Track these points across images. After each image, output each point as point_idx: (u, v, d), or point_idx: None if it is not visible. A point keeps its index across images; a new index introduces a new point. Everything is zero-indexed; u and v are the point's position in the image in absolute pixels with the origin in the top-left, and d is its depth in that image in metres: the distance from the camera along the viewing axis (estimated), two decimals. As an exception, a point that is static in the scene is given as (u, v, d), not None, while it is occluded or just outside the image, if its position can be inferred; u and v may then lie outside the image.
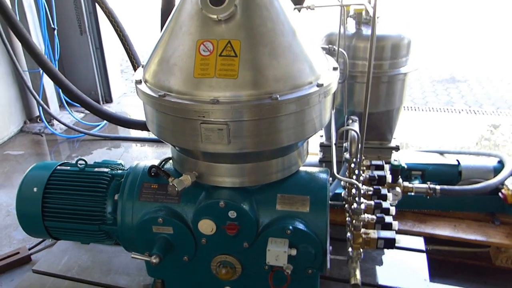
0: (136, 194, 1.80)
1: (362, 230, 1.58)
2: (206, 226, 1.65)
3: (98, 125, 4.79)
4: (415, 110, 5.17)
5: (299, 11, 1.87)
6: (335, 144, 1.76)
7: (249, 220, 1.64)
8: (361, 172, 1.68)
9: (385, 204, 1.69)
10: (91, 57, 5.17)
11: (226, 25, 1.45)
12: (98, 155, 4.19)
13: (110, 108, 5.28)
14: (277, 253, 1.57)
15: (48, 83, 4.64)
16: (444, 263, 2.54)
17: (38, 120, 4.83)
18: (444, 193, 2.24)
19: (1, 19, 3.85)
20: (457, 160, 2.63)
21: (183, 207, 1.74)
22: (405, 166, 2.58)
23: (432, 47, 8.26)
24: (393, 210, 1.70)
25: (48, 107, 4.76)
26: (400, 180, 2.17)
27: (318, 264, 1.66)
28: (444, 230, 2.48)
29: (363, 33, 2.25)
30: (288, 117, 1.50)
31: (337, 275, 2.12)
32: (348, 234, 1.65)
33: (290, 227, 1.60)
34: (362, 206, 1.54)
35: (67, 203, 1.91)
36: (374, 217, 1.60)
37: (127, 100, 5.63)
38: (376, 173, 1.86)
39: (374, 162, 1.95)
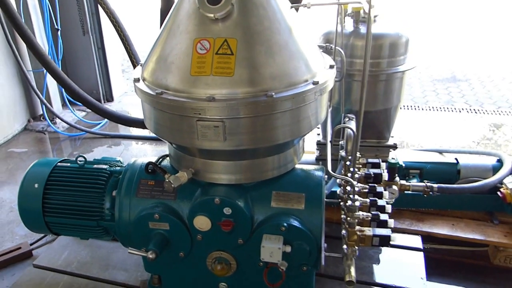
0: (134, 191, 1.82)
1: (357, 227, 1.59)
2: (202, 223, 1.67)
3: (99, 123, 4.83)
4: (415, 109, 5.18)
5: (297, 10, 1.88)
6: (330, 141, 1.77)
7: (244, 217, 1.66)
8: (356, 169, 1.69)
9: (381, 202, 1.70)
10: (93, 57, 5.21)
11: (223, 24, 1.46)
12: (98, 152, 4.23)
13: (111, 106, 5.31)
14: (272, 250, 1.59)
15: (51, 83, 4.69)
16: (442, 262, 2.55)
17: (42, 119, 4.87)
18: (441, 191, 2.25)
19: (6, 21, 3.92)
20: (456, 159, 2.64)
21: (179, 203, 1.76)
22: (403, 165, 2.60)
23: (434, 46, 8.25)
24: (388, 208, 1.71)
25: (51, 106, 4.80)
26: (397, 178, 2.18)
27: (313, 261, 1.67)
28: (442, 229, 2.49)
29: (361, 32, 2.26)
30: (284, 115, 1.51)
31: (333, 272, 2.13)
32: (343, 231, 1.66)
33: (285, 224, 1.61)
34: (357, 204, 1.55)
35: (66, 199, 1.93)
36: (369, 214, 1.61)
37: (128, 99, 5.68)
38: (372, 171, 1.87)
39: (370, 160, 1.96)
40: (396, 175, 2.16)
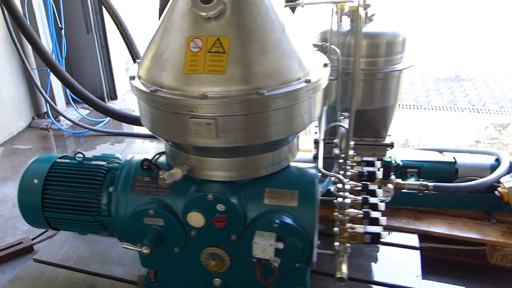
0: (130, 187, 1.85)
1: (349, 224, 1.60)
2: (195, 219, 1.69)
3: (103, 121, 4.87)
4: (418, 108, 5.17)
5: (294, 11, 1.90)
6: (323, 139, 1.78)
7: (237, 214, 1.67)
8: (348, 167, 1.70)
9: (373, 200, 1.71)
10: (96, 56, 5.25)
11: (216, 22, 1.48)
12: (101, 150, 4.27)
13: (114, 105, 5.35)
14: (264, 246, 1.60)
15: (55, 81, 4.73)
16: (439, 261, 2.55)
17: (46, 116, 4.92)
18: (437, 190, 2.26)
19: (11, 20, 3.97)
20: (454, 158, 2.64)
21: (174, 199, 1.78)
22: (401, 164, 2.61)
23: (439, 46, 8.23)
24: (382, 205, 1.72)
25: (55, 104, 4.85)
26: (393, 177, 2.19)
27: (306, 258, 1.69)
28: (439, 228, 2.49)
29: (358, 31, 2.26)
30: (277, 112, 1.53)
31: (328, 269, 2.15)
32: (336, 228, 1.67)
33: (277, 221, 1.63)
34: (347, 201, 1.57)
35: (65, 194, 1.96)
36: (360, 212, 1.62)
37: (131, 97, 5.70)
38: (366, 169, 1.88)
39: (365, 158, 1.97)
40: (392, 173, 2.16)
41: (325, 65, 1.71)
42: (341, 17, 2.25)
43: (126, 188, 1.86)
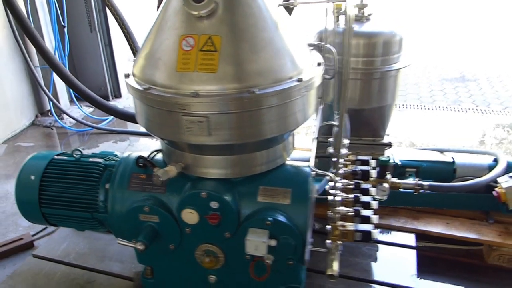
0: (126, 184, 1.87)
1: (340, 222, 1.61)
2: (189, 216, 1.71)
3: (106, 119, 4.90)
4: (421, 108, 5.16)
5: (290, 13, 1.90)
6: (317, 138, 1.79)
7: (230, 211, 1.69)
8: (340, 165, 1.71)
9: (364, 198, 1.71)
10: (100, 54, 5.29)
11: (208, 21, 1.49)
12: (104, 148, 4.30)
13: (119, 103, 5.39)
14: (256, 243, 1.62)
15: (59, 79, 4.76)
16: (436, 260, 2.55)
17: (49, 114, 4.96)
18: (432, 189, 2.26)
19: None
20: (452, 158, 2.64)
21: (169, 197, 1.80)
22: (399, 163, 2.61)
23: (445, 46, 8.20)
24: (374, 204, 1.73)
25: (59, 102, 4.89)
26: (388, 176, 2.19)
27: (299, 255, 1.70)
28: (436, 227, 2.49)
29: (354, 30, 2.27)
30: (269, 111, 1.54)
31: (324, 268, 2.15)
32: (328, 226, 1.68)
33: (270, 219, 1.64)
34: (337, 199, 1.57)
35: (62, 191, 1.99)
36: (350, 210, 1.63)
37: (136, 95, 5.73)
38: (360, 167, 1.88)
39: (360, 157, 1.98)
40: (388, 172, 2.17)
41: (319, 64, 1.72)
42: (338, 16, 2.25)
43: (122, 185, 1.88)
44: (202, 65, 1.47)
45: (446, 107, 5.16)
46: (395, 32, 2.27)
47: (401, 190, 2.31)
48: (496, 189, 2.37)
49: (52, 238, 2.52)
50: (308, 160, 2.48)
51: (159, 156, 1.95)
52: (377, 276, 2.16)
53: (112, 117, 4.88)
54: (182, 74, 1.49)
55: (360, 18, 2.30)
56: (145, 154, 1.92)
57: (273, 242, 1.64)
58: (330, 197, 1.59)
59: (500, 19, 10.11)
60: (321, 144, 2.59)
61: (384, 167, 2.14)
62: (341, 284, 2.10)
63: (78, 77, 4.93)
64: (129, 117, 3.87)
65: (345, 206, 1.67)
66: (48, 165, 2.04)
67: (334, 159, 1.75)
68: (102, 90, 5.37)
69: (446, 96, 5.88)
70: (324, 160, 2.59)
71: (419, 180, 2.26)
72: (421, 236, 2.48)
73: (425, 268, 2.40)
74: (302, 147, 2.33)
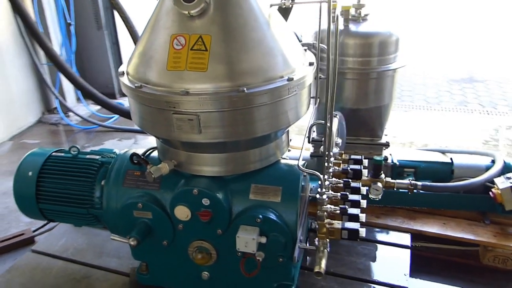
0: (121, 180, 1.90)
1: (327, 220, 1.62)
2: (181, 212, 1.73)
3: (112, 117, 4.94)
4: (427, 109, 5.14)
5: (287, 18, 1.92)
6: (308, 137, 1.81)
7: (222, 208, 1.71)
8: (330, 164, 1.72)
9: (352, 197, 1.72)
10: (107, 52, 5.33)
11: (199, 21, 1.52)
12: (108, 145, 4.34)
13: (125, 101, 5.43)
14: (246, 240, 1.64)
15: (65, 76, 4.84)
16: (432, 260, 2.55)
17: (55, 111, 5.02)
18: (425, 189, 2.27)
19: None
20: (451, 159, 2.64)
21: (163, 193, 1.82)
22: (397, 163, 2.62)
23: (454, 46, 8.15)
24: (363, 203, 1.74)
25: (65, 99, 4.96)
26: (383, 176, 2.20)
27: (289, 253, 1.72)
28: (432, 228, 2.49)
29: (351, 30, 2.28)
30: (259, 109, 1.56)
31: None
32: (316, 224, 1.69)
33: (260, 216, 1.66)
34: (324, 197, 1.59)
35: (59, 187, 2.02)
36: (337, 208, 1.64)
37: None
38: (351, 167, 1.89)
39: (353, 157, 1.99)
40: (382, 172, 2.17)
41: (311, 63, 1.73)
42: (336, 16, 2.26)
43: (117, 182, 1.91)
44: (192, 63, 1.49)
45: (452, 108, 5.14)
46: (391, 32, 2.28)
47: (400, 190, 2.32)
48: (493, 190, 2.37)
49: (51, 234, 2.56)
50: (307, 160, 2.50)
51: (156, 153, 1.98)
52: (370, 275, 2.16)
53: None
54: (173, 73, 1.51)
55: (357, 18, 2.30)
56: (143, 152, 1.95)
57: (263, 239, 1.66)
58: (317, 195, 1.60)
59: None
60: (318, 144, 2.62)
61: (378, 166, 2.15)
62: (334, 282, 2.11)
63: (86, 75, 5.00)
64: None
65: (335, 205, 1.68)
66: (46, 162, 2.07)
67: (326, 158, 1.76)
68: (109, 88, 5.42)
69: (452, 97, 5.85)
70: (320, 159, 2.61)
71: (412, 180, 2.25)
72: (418, 236, 2.48)
73: (420, 268, 2.40)
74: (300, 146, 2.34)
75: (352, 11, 2.30)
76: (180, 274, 1.99)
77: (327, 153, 1.70)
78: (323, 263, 1.60)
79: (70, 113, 4.95)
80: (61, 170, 2.04)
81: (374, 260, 2.28)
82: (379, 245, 2.39)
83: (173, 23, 1.55)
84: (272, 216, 1.68)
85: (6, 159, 4.07)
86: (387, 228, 2.53)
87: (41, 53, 4.68)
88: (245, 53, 1.52)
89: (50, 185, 2.03)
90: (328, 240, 1.63)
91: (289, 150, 1.98)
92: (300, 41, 2.11)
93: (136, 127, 4.73)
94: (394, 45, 2.30)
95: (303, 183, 1.79)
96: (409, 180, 2.28)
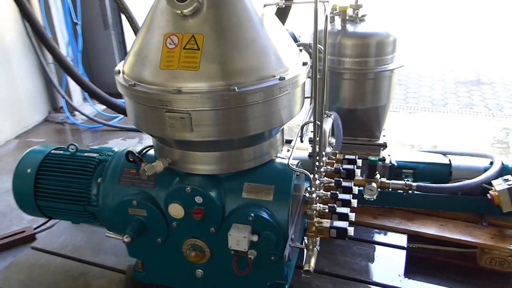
0: (117, 178, 1.92)
1: (316, 219, 1.63)
2: (175, 210, 1.75)
3: (117, 116, 4.99)
4: (432, 111, 5.13)
5: (284, 22, 1.93)
6: (300, 136, 1.82)
7: (215, 206, 1.73)
8: (322, 164, 1.73)
9: (342, 196, 1.73)
10: (114, 51, 5.38)
11: (192, 20, 1.54)
12: (113, 144, 4.39)
13: (129, 101, 5.47)
14: (238, 238, 1.65)
15: (71, 75, 4.89)
16: (429, 262, 2.55)
17: (61, 111, 5.08)
18: (420, 190, 2.27)
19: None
20: (449, 160, 2.63)
21: (157, 191, 1.84)
22: (396, 164, 2.62)
23: (462, 48, 8.11)
24: (354, 202, 1.74)
25: (71, 99, 5.01)
26: (377, 176, 2.20)
27: (280, 251, 1.73)
28: (429, 229, 2.49)
29: (348, 31, 2.29)
30: (251, 108, 1.57)
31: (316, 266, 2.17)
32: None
33: (252, 214, 1.67)
34: (313, 196, 1.60)
35: (56, 184, 2.05)
36: (326, 206, 1.65)
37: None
38: (344, 166, 1.90)
39: (347, 156, 2.00)
40: (377, 172, 2.18)
41: (304, 63, 1.74)
42: (332, 17, 2.27)
43: (113, 179, 1.93)
44: (184, 62, 1.51)
45: (457, 110, 5.12)
46: (389, 33, 2.28)
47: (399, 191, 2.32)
48: (490, 191, 2.36)
49: (51, 231, 2.59)
50: (305, 160, 2.51)
51: (152, 152, 2.00)
52: (364, 275, 2.16)
53: (123, 115, 4.98)
54: (166, 72, 1.53)
55: (354, 19, 2.31)
56: (140, 150, 1.97)
57: (255, 238, 1.67)
58: (307, 194, 1.62)
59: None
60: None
61: (373, 166, 2.15)
62: (328, 282, 2.11)
63: (92, 74, 5.05)
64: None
65: (326, 204, 1.68)
66: (44, 159, 2.11)
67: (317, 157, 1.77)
68: (115, 87, 5.45)
69: (458, 99, 5.82)
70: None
71: (407, 181, 2.26)
72: (415, 237, 2.48)
73: (417, 269, 2.40)
74: (303, 147, 2.35)
75: (350, 12, 2.31)
76: (175, 272, 2.01)
77: (318, 152, 1.70)
78: (313, 261, 1.61)
79: (76, 112, 5.01)
80: (59, 168, 2.07)
81: (369, 260, 2.28)
82: (374, 246, 2.39)
83: (167, 23, 1.57)
84: (264, 215, 1.69)
85: (11, 157, 4.13)
86: (384, 229, 2.53)
87: (48, 52, 4.74)
88: (237, 52, 1.53)
89: (48, 182, 2.06)
90: (318, 238, 1.64)
91: (288, 150, 1.99)
92: (298, 41, 2.13)
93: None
94: (392, 45, 2.30)
95: (296, 182, 1.80)
96: (404, 180, 2.28)
